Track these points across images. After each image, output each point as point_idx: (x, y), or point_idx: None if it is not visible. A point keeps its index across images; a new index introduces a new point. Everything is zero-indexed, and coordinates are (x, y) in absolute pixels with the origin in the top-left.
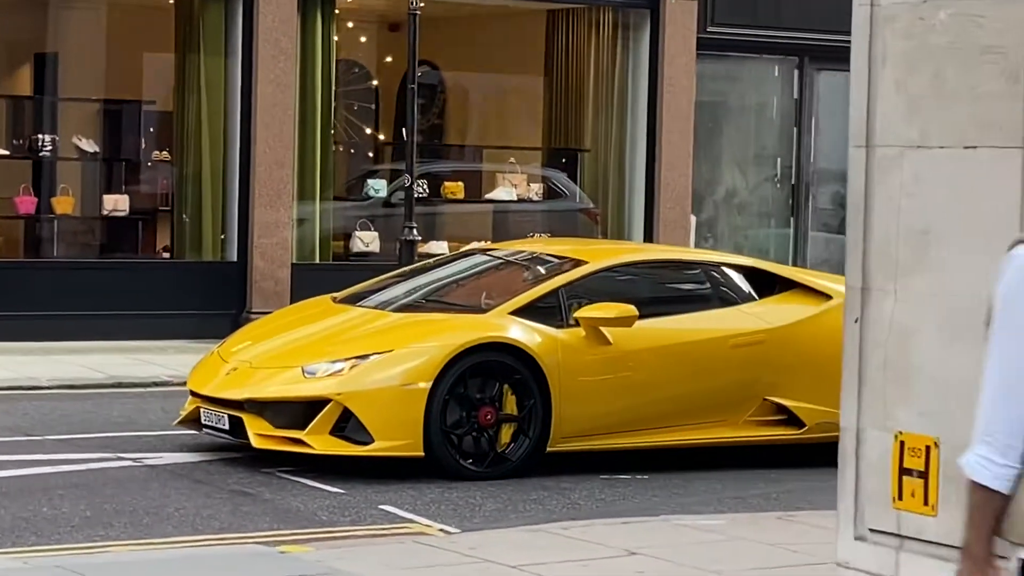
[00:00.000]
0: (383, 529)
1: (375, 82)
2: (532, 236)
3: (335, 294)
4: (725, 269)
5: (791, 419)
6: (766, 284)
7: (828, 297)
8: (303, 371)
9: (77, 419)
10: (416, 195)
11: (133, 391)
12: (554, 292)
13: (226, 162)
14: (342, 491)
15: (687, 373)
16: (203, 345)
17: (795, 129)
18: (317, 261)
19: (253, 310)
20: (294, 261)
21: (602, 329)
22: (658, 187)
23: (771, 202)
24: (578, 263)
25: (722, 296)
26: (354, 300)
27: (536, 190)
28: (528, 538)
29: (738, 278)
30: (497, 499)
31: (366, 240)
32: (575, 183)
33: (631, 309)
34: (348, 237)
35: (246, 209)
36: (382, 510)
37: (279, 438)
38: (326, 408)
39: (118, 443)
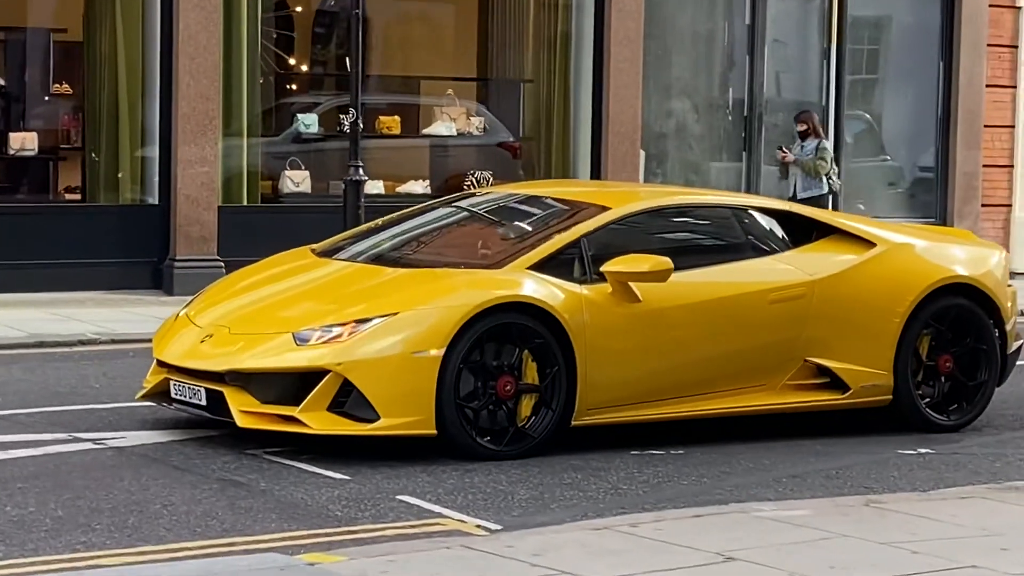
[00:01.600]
0: (412, 527)
1: (299, 8)
2: (472, 174)
3: (314, 245)
4: (757, 214)
5: (834, 382)
6: (801, 230)
7: (871, 244)
8: (294, 337)
9: (10, 389)
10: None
11: (59, 351)
12: (576, 243)
13: (144, 95)
14: (346, 477)
15: (723, 333)
16: (124, 297)
17: (747, 57)
18: (245, 203)
19: (178, 257)
20: (220, 204)
21: (631, 285)
22: (606, 120)
23: (723, 135)
24: (600, 209)
25: (755, 245)
26: (337, 252)
27: (477, 124)
28: (594, 539)
29: (771, 224)
30: (526, 485)
31: (297, 180)
32: (518, 116)
33: (666, 262)
34: (277, 177)
35: (168, 147)
36: (401, 501)
37: (268, 416)
38: (323, 381)
39: (69, 420)
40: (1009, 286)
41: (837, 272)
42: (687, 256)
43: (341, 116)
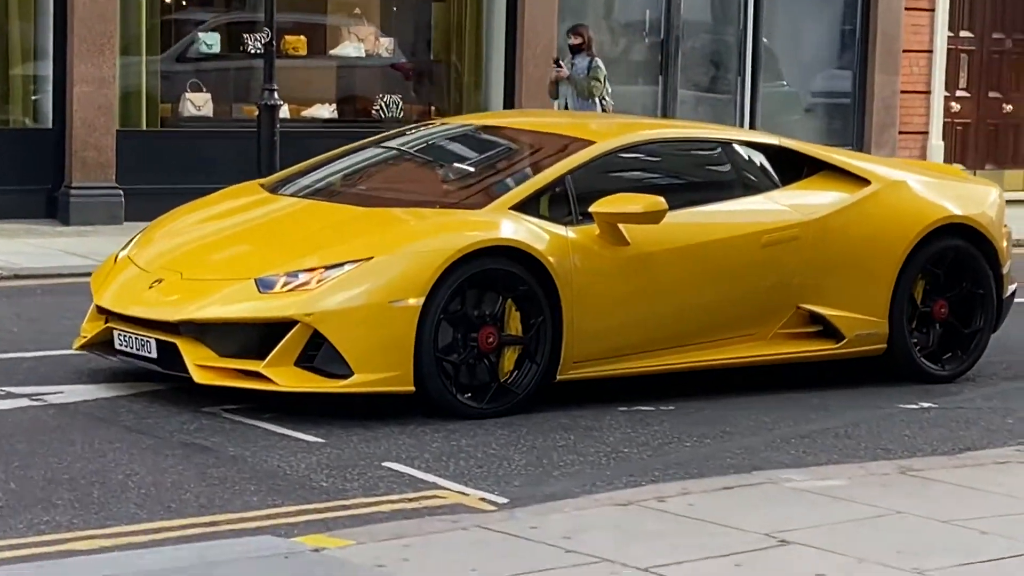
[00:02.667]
0: (409, 500)
1: None
2: (382, 98)
3: (262, 180)
4: (746, 148)
5: (827, 331)
6: (790, 166)
7: (865, 182)
8: (257, 284)
9: None
10: (254, 51)
11: None
12: (561, 180)
13: (36, 9)
14: (320, 440)
15: (715, 279)
16: (17, 227)
17: None
18: (144, 128)
19: (74, 185)
20: (119, 128)
21: (621, 227)
22: (520, 42)
23: (638, 58)
24: (584, 143)
25: (746, 182)
26: (287, 187)
27: (386, 45)
28: (624, 518)
29: (760, 159)
30: (518, 448)
31: (198, 103)
32: (428, 37)
33: (660, 202)
34: (177, 100)
35: (63, 68)
36: (388, 469)
37: (228, 371)
38: (291, 333)
39: None
40: (1005, 226)
41: (831, 212)
42: (676, 194)
43: (246, 36)
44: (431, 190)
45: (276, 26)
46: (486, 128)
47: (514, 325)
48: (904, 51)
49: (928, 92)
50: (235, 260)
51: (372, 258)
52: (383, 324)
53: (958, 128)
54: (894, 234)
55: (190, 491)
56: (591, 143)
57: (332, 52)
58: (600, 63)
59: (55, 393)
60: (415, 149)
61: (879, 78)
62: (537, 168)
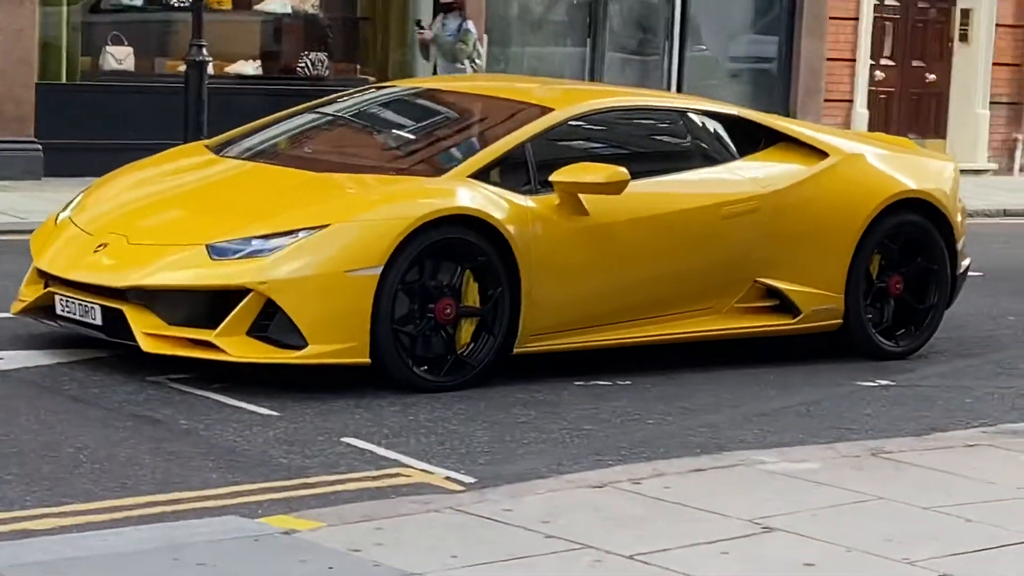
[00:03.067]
0: (372, 479)
1: None
2: (307, 55)
3: (207, 141)
4: (705, 118)
5: (783, 305)
6: (748, 136)
7: (823, 154)
8: (208, 250)
9: None
10: (177, 3)
11: None
12: (520, 148)
13: None
14: (273, 413)
15: (675, 250)
16: None
17: None
18: (64, 81)
19: None
20: (38, 81)
21: (580, 197)
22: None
23: (567, 20)
24: (543, 109)
25: (704, 152)
26: (233, 149)
27: (312, 2)
28: (601, 500)
29: (718, 129)
30: (478, 424)
31: (119, 56)
32: None
33: (622, 172)
34: (98, 53)
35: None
36: (348, 445)
37: (178, 339)
38: (244, 301)
39: None
40: (959, 201)
41: (789, 185)
42: (635, 164)
43: None
44: (385, 156)
45: None
46: (439, 92)
47: (472, 296)
48: (831, 18)
49: (854, 60)
50: (184, 225)
51: (328, 225)
52: (339, 294)
53: (882, 97)
54: (852, 208)
55: (145, 467)
56: (550, 110)
57: (257, 7)
58: (471, 26)
59: None
60: (366, 113)
61: (806, 44)
62: (495, 135)
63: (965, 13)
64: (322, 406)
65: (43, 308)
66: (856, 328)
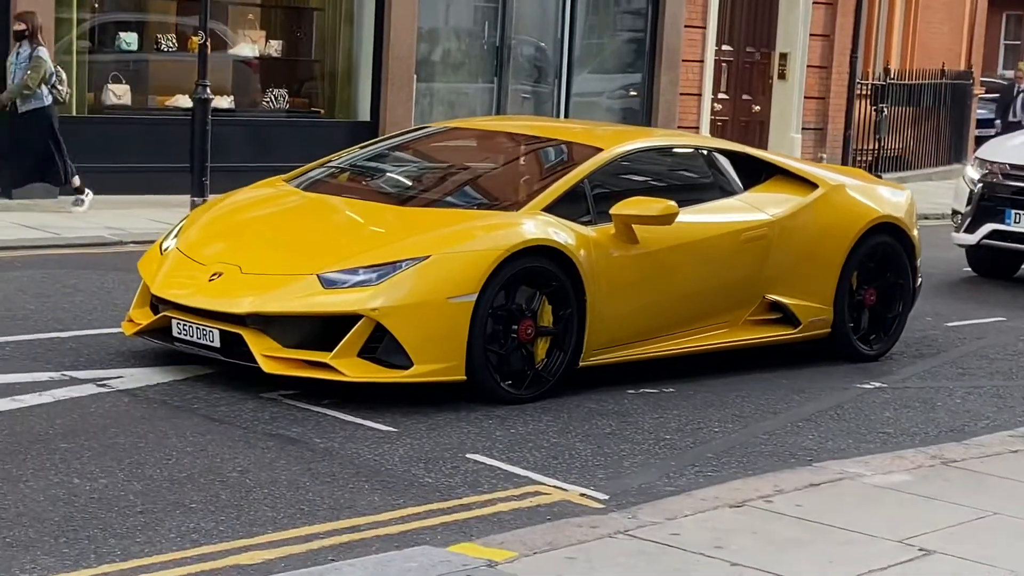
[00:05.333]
0: (517, 498)
1: None
2: (271, 90)
3: (285, 176)
4: (718, 155)
5: (785, 318)
6: (751, 170)
7: (814, 185)
8: (320, 280)
9: None
10: (166, 48)
11: None
12: (580, 184)
13: None
14: (393, 429)
15: (706, 272)
16: None
17: None
18: (74, 114)
19: None
20: None
21: (634, 227)
22: (386, 47)
23: (478, 61)
24: (593, 149)
25: (722, 185)
26: (317, 186)
27: (276, 47)
28: (749, 521)
29: (728, 165)
30: (573, 435)
31: (118, 93)
32: (311, 41)
33: (673, 206)
34: (100, 90)
35: (4, 53)
36: (476, 462)
37: (295, 361)
38: (357, 326)
39: (40, 353)
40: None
41: (790, 212)
42: (670, 196)
43: (158, 36)
44: (464, 192)
45: (182, 28)
46: (494, 133)
47: (546, 317)
48: (683, 60)
49: (699, 95)
50: (292, 256)
51: (429, 256)
52: (441, 318)
53: (719, 124)
54: (840, 232)
55: (310, 490)
56: (600, 149)
57: (231, 51)
58: (43, 53)
59: (116, 378)
60: (434, 150)
61: (664, 83)
62: (558, 173)
63: (783, 56)
64: (429, 421)
65: (156, 330)
66: (840, 335)
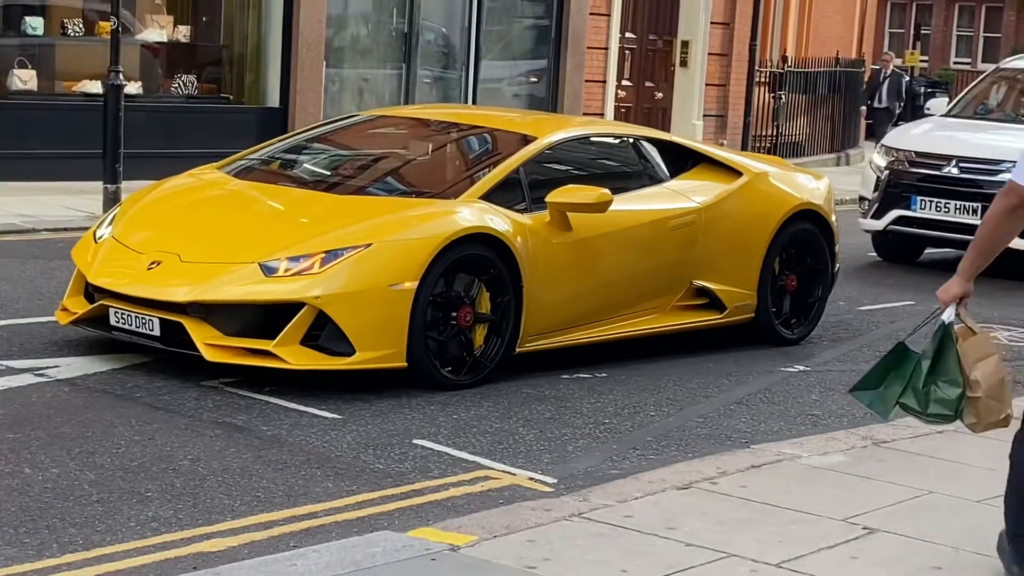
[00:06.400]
0: (468, 483)
1: None
2: (180, 76)
3: (216, 164)
4: (647, 143)
5: (712, 303)
6: (677, 158)
7: (739, 173)
8: (261, 267)
9: None
10: (72, 33)
11: None
12: (516, 172)
13: None
14: (336, 416)
15: (637, 259)
16: None
17: None
18: None
19: None
20: None
21: (568, 214)
22: (295, 33)
23: (387, 48)
24: (526, 138)
25: (650, 173)
26: (252, 173)
27: (184, 32)
28: (699, 503)
29: (655, 152)
30: (515, 420)
31: (24, 78)
32: (218, 26)
33: (608, 194)
34: (5, 75)
35: None
36: (423, 448)
37: (237, 349)
38: (299, 314)
39: None
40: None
41: (716, 200)
42: (601, 183)
43: (64, 21)
44: (399, 181)
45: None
46: (430, 122)
47: (484, 304)
48: (588, 48)
49: (604, 81)
50: (232, 244)
51: (371, 244)
52: (383, 306)
53: (623, 110)
54: (764, 219)
55: (263, 477)
56: (534, 138)
57: (138, 36)
58: None
59: (53, 367)
60: (366, 139)
61: (569, 69)
62: (493, 161)
63: (685, 44)
64: (372, 408)
65: (92, 319)
66: (764, 320)
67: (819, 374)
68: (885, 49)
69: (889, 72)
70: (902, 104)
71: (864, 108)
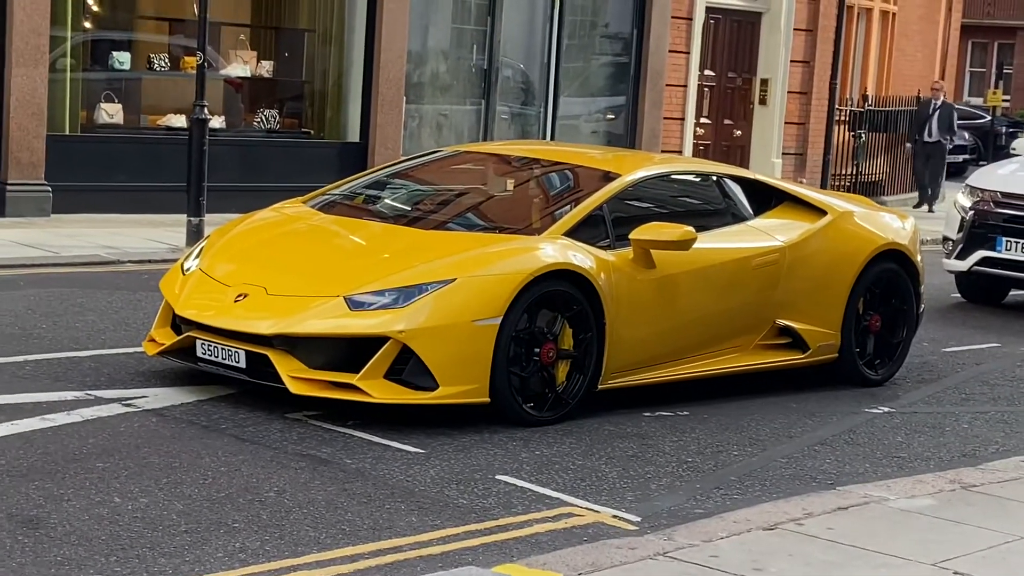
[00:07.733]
0: (552, 519)
1: None
2: (262, 110)
3: (301, 199)
4: (731, 181)
5: (795, 342)
6: (761, 196)
7: (823, 212)
8: (346, 302)
9: None
10: (158, 68)
11: None
12: (599, 208)
13: None
14: (420, 451)
15: (720, 297)
16: None
17: (489, 18)
18: (67, 132)
19: (9, 182)
20: (47, 132)
21: (651, 251)
22: (375, 70)
23: (467, 84)
24: (612, 175)
25: (733, 211)
26: (337, 208)
27: (267, 67)
28: (785, 544)
29: (739, 190)
30: (597, 457)
31: (111, 112)
32: (302, 62)
33: (692, 231)
34: (92, 109)
35: (0, 74)
36: (506, 483)
37: (322, 382)
38: (383, 348)
39: (61, 372)
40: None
41: (800, 238)
42: (684, 221)
43: (151, 56)
44: (484, 216)
45: (173, 49)
46: (511, 158)
47: (567, 340)
48: (667, 85)
49: (683, 119)
50: (318, 277)
51: (455, 279)
52: (466, 341)
53: (701, 148)
54: (848, 258)
55: (348, 510)
56: (617, 175)
57: (223, 72)
58: None
59: (141, 398)
60: (450, 175)
61: (648, 107)
62: (577, 198)
63: (764, 82)
64: (455, 443)
65: (179, 350)
66: (847, 360)
67: (904, 416)
68: (966, 89)
69: (939, 103)
70: (953, 138)
71: (909, 145)
